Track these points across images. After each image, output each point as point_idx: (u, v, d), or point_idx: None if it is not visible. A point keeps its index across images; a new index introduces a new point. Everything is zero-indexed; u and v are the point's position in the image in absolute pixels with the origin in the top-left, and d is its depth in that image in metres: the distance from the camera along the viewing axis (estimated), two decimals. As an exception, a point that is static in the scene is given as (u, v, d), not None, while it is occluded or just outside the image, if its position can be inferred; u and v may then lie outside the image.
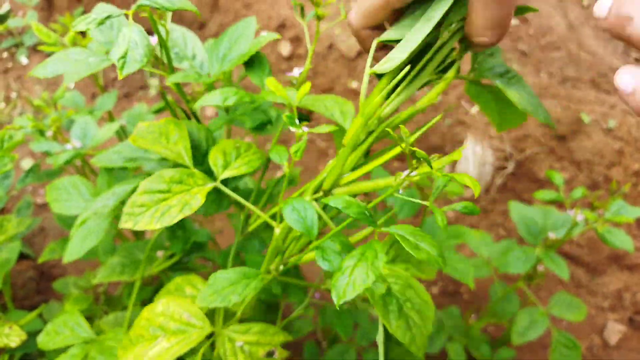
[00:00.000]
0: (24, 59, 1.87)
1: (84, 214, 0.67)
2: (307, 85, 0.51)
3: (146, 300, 0.86)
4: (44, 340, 0.76)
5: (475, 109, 1.53)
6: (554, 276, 1.44)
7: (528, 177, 1.48)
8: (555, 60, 1.91)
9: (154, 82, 1.70)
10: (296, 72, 0.61)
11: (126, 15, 0.44)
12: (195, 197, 0.51)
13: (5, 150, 0.72)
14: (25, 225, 0.86)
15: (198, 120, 0.66)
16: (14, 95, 1.82)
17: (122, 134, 0.95)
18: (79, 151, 0.71)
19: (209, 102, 0.56)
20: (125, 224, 0.50)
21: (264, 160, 0.60)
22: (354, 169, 0.51)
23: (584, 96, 1.63)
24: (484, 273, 1.07)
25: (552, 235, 0.98)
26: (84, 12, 1.75)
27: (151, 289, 0.84)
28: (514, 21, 2.07)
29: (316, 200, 0.51)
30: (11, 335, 0.79)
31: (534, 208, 1.05)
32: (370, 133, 0.48)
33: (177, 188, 0.52)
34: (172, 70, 0.58)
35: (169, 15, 0.54)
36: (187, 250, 0.76)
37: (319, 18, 0.55)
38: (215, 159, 0.57)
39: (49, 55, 1.88)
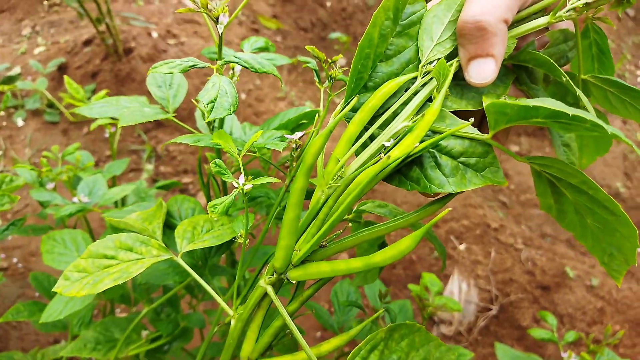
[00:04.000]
0: (20, 121, 1.85)
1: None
2: (257, 134, 0.46)
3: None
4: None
5: (463, 246, 1.54)
6: None
7: (510, 323, 1.45)
8: (534, 216, 1.99)
9: (149, 167, 1.68)
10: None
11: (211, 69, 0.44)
12: (138, 266, 0.46)
13: (5, 191, 0.67)
14: (-6, 281, 0.77)
15: (225, 191, 0.64)
16: (-1, 153, 1.76)
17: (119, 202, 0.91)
18: (85, 206, 0.66)
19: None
20: (57, 287, 0.44)
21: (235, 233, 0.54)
22: (321, 246, 0.41)
23: (565, 252, 1.68)
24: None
25: (539, 384, 0.94)
26: (95, 90, 1.78)
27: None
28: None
29: (272, 285, 0.42)
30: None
31: (520, 353, 1.03)
32: (335, 197, 0.40)
33: (125, 256, 0.47)
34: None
35: (235, 78, 0.54)
36: (175, 336, 0.68)
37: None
38: (182, 232, 0.53)
39: (46, 122, 1.87)
